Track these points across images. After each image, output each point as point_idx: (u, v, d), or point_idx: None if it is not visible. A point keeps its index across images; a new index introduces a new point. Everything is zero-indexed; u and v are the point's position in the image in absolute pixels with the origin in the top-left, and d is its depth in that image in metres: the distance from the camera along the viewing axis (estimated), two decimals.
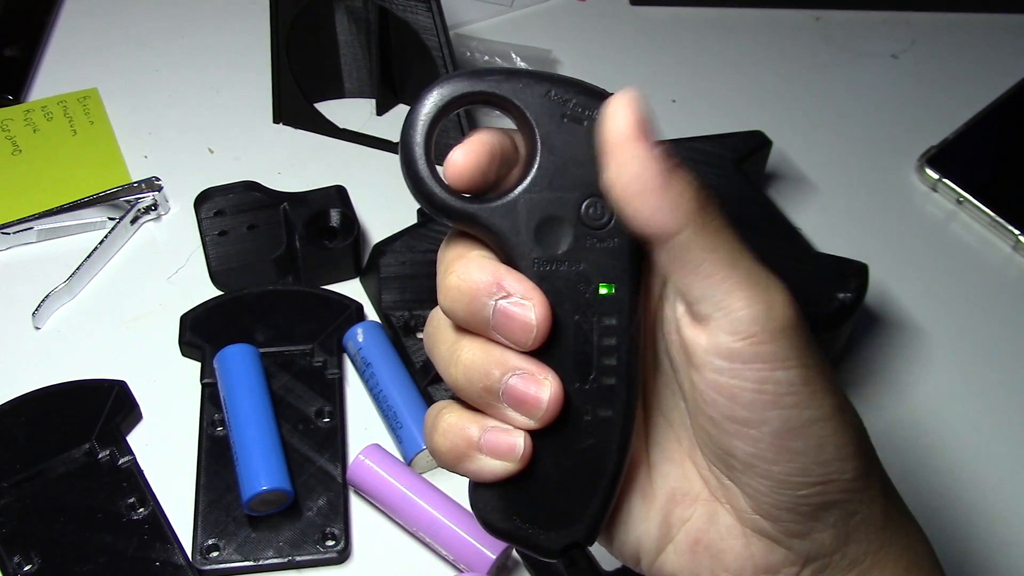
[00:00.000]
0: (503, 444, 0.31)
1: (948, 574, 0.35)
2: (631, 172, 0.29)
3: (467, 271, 0.31)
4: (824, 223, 0.67)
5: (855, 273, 0.56)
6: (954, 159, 0.70)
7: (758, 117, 0.70)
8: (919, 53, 0.80)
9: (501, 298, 0.30)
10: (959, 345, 0.62)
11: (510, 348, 0.31)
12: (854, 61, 0.79)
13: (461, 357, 0.31)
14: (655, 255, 0.30)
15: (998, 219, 0.67)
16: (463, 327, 0.32)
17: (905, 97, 0.77)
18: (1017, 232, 0.66)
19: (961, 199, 0.68)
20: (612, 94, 0.31)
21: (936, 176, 0.69)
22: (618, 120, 0.29)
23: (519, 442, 0.31)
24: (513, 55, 0.75)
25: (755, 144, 0.64)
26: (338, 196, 0.62)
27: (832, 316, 0.55)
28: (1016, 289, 0.65)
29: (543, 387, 0.31)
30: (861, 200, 0.70)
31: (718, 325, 0.30)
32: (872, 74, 0.79)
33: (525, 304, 0.30)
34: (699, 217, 0.29)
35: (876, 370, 0.60)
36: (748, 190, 0.61)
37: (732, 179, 0.61)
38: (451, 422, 0.32)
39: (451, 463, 0.32)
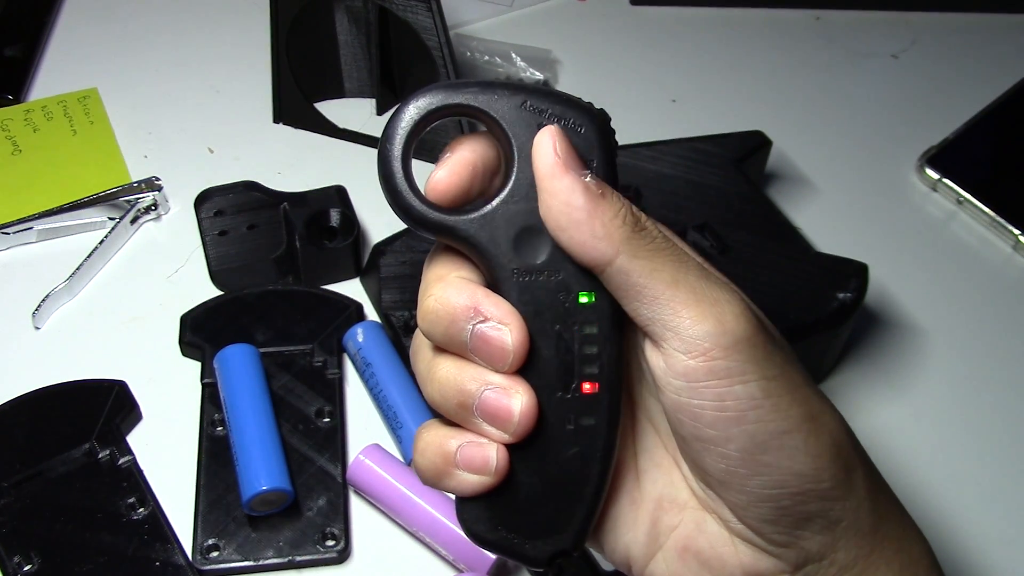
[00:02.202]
0: (477, 458, 0.31)
1: (947, 574, 0.35)
2: (556, 205, 0.30)
3: (445, 294, 0.31)
4: (824, 223, 0.67)
5: (855, 273, 0.56)
6: (954, 159, 0.70)
7: (758, 117, 0.70)
8: (919, 53, 0.80)
9: (479, 322, 0.31)
10: (959, 345, 0.62)
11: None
12: (854, 61, 0.79)
13: (437, 374, 0.32)
14: (603, 282, 0.31)
15: (998, 219, 0.67)
16: (442, 348, 0.32)
17: (905, 97, 0.77)
18: (1017, 232, 0.66)
19: (961, 199, 0.68)
20: (588, 103, 0.32)
21: (936, 176, 0.69)
22: (541, 156, 0.30)
23: (492, 455, 0.31)
24: (513, 55, 0.75)
25: (755, 144, 0.64)
26: (338, 196, 0.62)
27: (832, 316, 0.55)
28: (1016, 289, 0.65)
29: (515, 400, 0.31)
30: (861, 200, 0.70)
31: (671, 345, 0.30)
32: (872, 74, 0.79)
33: (502, 329, 0.30)
34: (631, 242, 0.30)
35: (876, 370, 0.60)
36: (748, 190, 0.61)
37: (732, 179, 0.61)
38: (428, 440, 0.32)
39: (432, 481, 0.32)
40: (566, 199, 0.30)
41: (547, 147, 0.30)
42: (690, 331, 0.29)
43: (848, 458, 0.31)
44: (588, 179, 0.30)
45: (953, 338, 0.62)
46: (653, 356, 0.31)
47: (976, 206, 0.68)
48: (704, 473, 0.32)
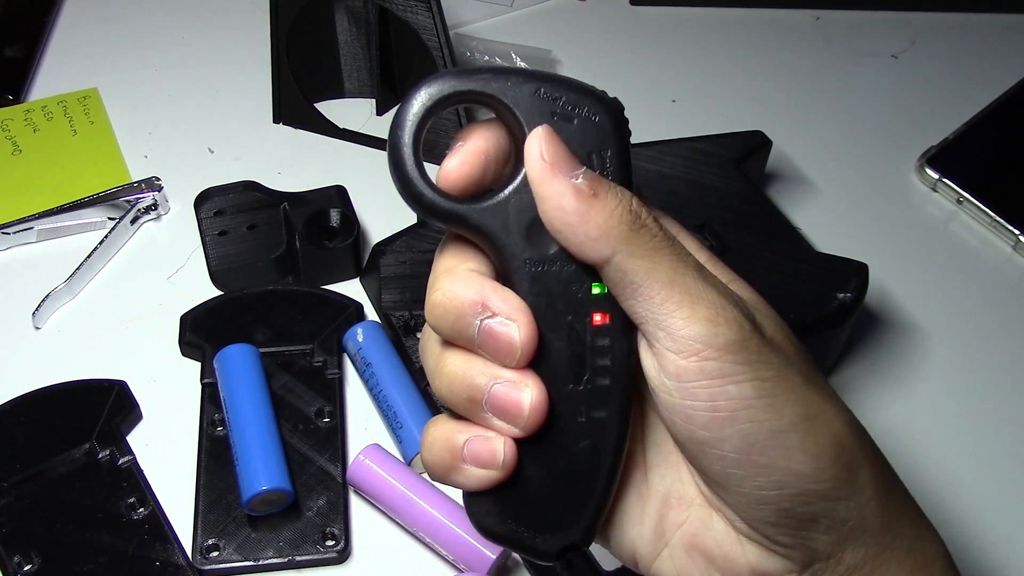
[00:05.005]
0: (484, 452, 0.31)
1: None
2: (552, 207, 0.30)
3: (452, 288, 0.31)
4: (824, 223, 0.67)
5: (855, 273, 0.56)
6: (954, 159, 0.70)
7: (758, 117, 0.70)
8: (919, 53, 0.80)
9: (486, 318, 0.30)
10: (959, 345, 0.62)
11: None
12: (854, 61, 0.79)
13: (446, 368, 0.31)
14: (603, 279, 0.31)
15: (998, 219, 0.67)
16: (450, 342, 0.32)
17: (905, 97, 0.77)
18: (1017, 232, 0.66)
19: (961, 199, 0.68)
20: (602, 92, 0.31)
21: (936, 176, 0.69)
22: (529, 160, 0.30)
23: (500, 449, 0.31)
24: (513, 55, 0.75)
25: (755, 144, 0.64)
26: (338, 196, 0.62)
27: (832, 316, 0.55)
28: (1016, 289, 0.65)
29: (524, 393, 0.30)
30: (861, 200, 0.70)
31: (664, 345, 0.30)
32: (872, 74, 0.79)
33: (509, 325, 0.30)
34: (628, 241, 0.29)
35: (876, 370, 0.60)
36: (748, 190, 0.61)
37: (732, 179, 0.61)
38: (435, 435, 0.32)
39: (440, 476, 0.32)
40: (557, 203, 0.29)
41: (535, 151, 0.30)
42: (682, 331, 0.29)
43: (852, 457, 0.31)
44: (579, 180, 0.29)
45: (953, 338, 0.62)
46: (647, 356, 0.31)
47: (976, 206, 0.68)
48: (704, 475, 0.31)
